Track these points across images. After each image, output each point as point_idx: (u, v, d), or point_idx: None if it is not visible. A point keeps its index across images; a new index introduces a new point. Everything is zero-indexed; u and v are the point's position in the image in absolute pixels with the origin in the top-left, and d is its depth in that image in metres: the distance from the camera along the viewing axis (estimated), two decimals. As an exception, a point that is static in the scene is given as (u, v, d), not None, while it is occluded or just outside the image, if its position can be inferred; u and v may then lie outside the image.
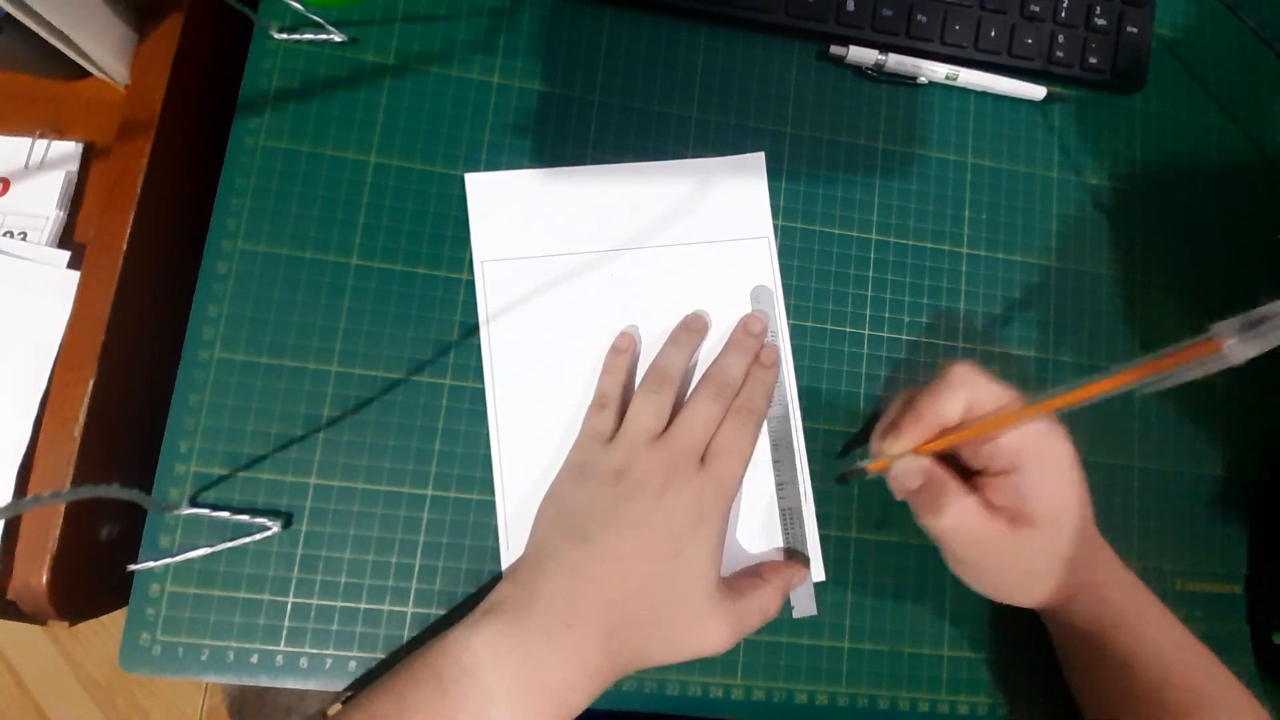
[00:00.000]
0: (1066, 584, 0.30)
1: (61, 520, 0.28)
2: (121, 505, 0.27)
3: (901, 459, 0.29)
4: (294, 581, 0.31)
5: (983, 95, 0.38)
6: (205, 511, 0.31)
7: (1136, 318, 0.38)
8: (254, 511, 0.31)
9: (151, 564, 0.30)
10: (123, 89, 0.33)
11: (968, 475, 0.30)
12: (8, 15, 0.28)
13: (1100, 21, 0.38)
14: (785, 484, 0.34)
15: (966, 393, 0.28)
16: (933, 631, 0.34)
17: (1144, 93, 0.40)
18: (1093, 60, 0.38)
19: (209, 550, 0.30)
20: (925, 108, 0.38)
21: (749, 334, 0.34)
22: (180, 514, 0.31)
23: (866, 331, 0.36)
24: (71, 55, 0.31)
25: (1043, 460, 0.28)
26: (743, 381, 0.33)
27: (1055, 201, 0.38)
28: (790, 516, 0.34)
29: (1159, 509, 0.37)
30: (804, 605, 0.33)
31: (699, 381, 0.33)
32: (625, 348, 0.33)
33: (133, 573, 0.30)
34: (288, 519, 0.31)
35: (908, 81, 0.37)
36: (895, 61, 0.37)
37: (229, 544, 0.31)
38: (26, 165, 0.33)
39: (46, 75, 0.34)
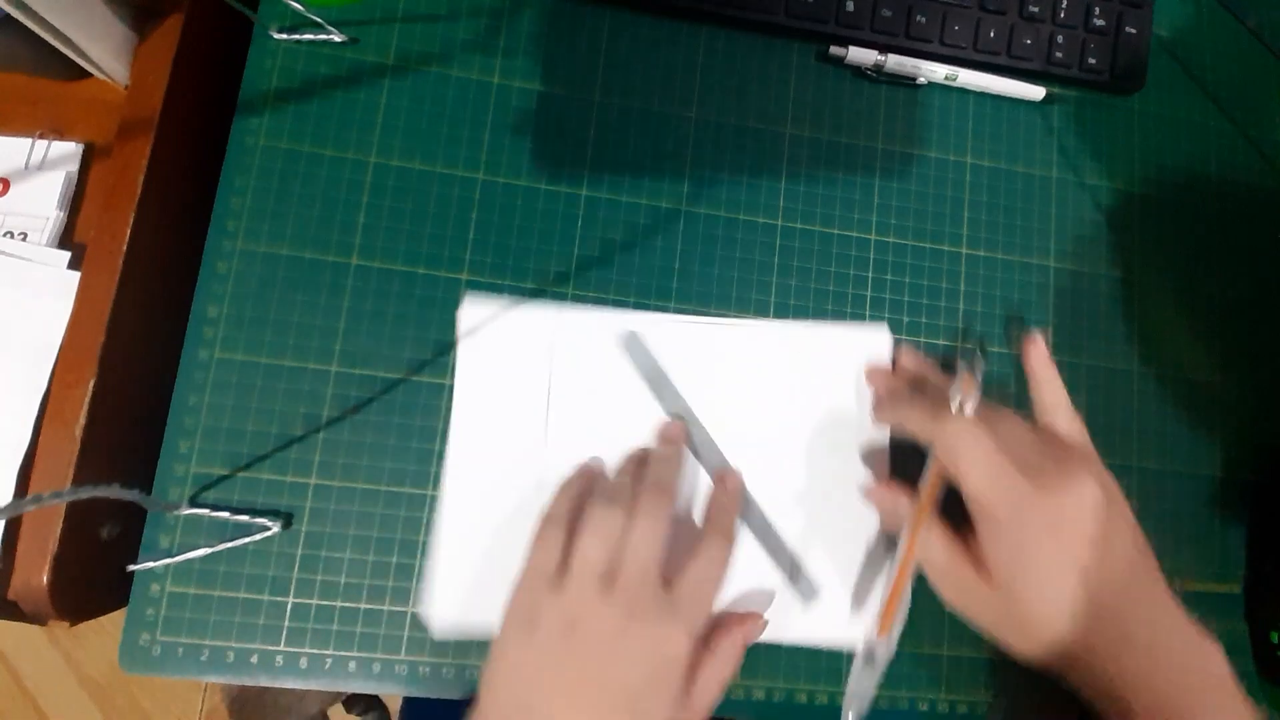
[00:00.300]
0: (1049, 648, 0.28)
1: (62, 520, 0.28)
2: (121, 505, 0.27)
3: (877, 495, 0.31)
4: (294, 581, 0.31)
5: (982, 96, 0.38)
6: (205, 511, 0.31)
7: (1136, 318, 0.38)
8: (254, 511, 0.31)
9: (151, 564, 0.30)
10: (123, 89, 0.33)
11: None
12: (8, 15, 0.28)
13: (1099, 22, 0.38)
14: (778, 551, 0.33)
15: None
16: (933, 631, 0.34)
17: (1143, 93, 0.40)
18: (1092, 61, 0.38)
19: (209, 550, 0.30)
20: (925, 108, 0.38)
21: (667, 441, 0.33)
22: (180, 514, 0.31)
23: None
24: (71, 55, 0.31)
25: (1005, 522, 0.27)
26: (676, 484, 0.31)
27: (1055, 201, 0.38)
28: (792, 565, 0.33)
29: (1159, 509, 0.37)
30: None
31: (638, 499, 0.29)
32: (582, 474, 0.32)
33: (133, 573, 0.30)
34: (288, 519, 0.31)
35: (907, 82, 0.37)
36: (895, 62, 0.37)
37: (229, 544, 0.31)
38: (26, 165, 0.33)
39: (46, 75, 0.34)
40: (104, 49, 0.31)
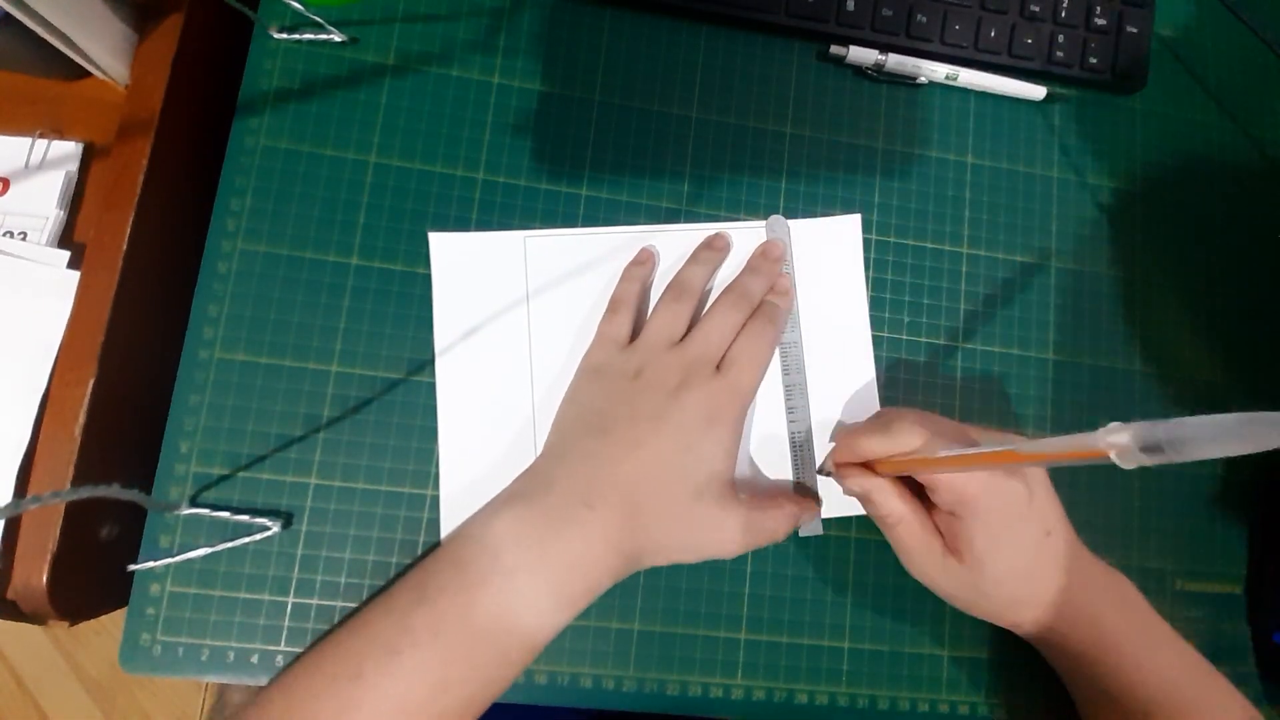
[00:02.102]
0: (1007, 608, 0.31)
1: (61, 520, 0.28)
2: (121, 505, 0.27)
3: (848, 471, 0.31)
4: (294, 581, 0.31)
5: (983, 95, 0.38)
6: (205, 511, 0.31)
7: (1136, 318, 0.38)
8: (254, 511, 0.31)
9: (151, 564, 0.30)
10: (123, 89, 0.33)
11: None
12: (8, 15, 0.28)
13: (1100, 21, 0.38)
14: (795, 409, 0.34)
15: (887, 436, 0.29)
16: (933, 631, 0.34)
17: (1144, 93, 0.40)
18: (1093, 60, 0.38)
19: (209, 550, 0.30)
20: (925, 108, 0.38)
21: (767, 259, 0.35)
22: (180, 514, 0.31)
23: (869, 332, 0.36)
24: (71, 55, 0.31)
25: (973, 502, 0.28)
26: (759, 300, 0.34)
27: (1055, 201, 0.38)
28: (799, 443, 0.34)
29: (1159, 509, 0.37)
30: (812, 526, 0.34)
31: (718, 295, 0.34)
32: (644, 260, 0.34)
33: (133, 573, 0.30)
34: (288, 519, 0.31)
35: (908, 81, 0.37)
36: (895, 61, 0.37)
37: (229, 544, 0.31)
38: (26, 165, 0.33)
39: (46, 75, 0.34)
40: (104, 49, 0.31)
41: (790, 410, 0.34)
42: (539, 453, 0.32)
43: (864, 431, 0.30)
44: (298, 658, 0.30)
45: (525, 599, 0.27)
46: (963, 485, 0.28)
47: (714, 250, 0.35)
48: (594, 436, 0.30)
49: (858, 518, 0.34)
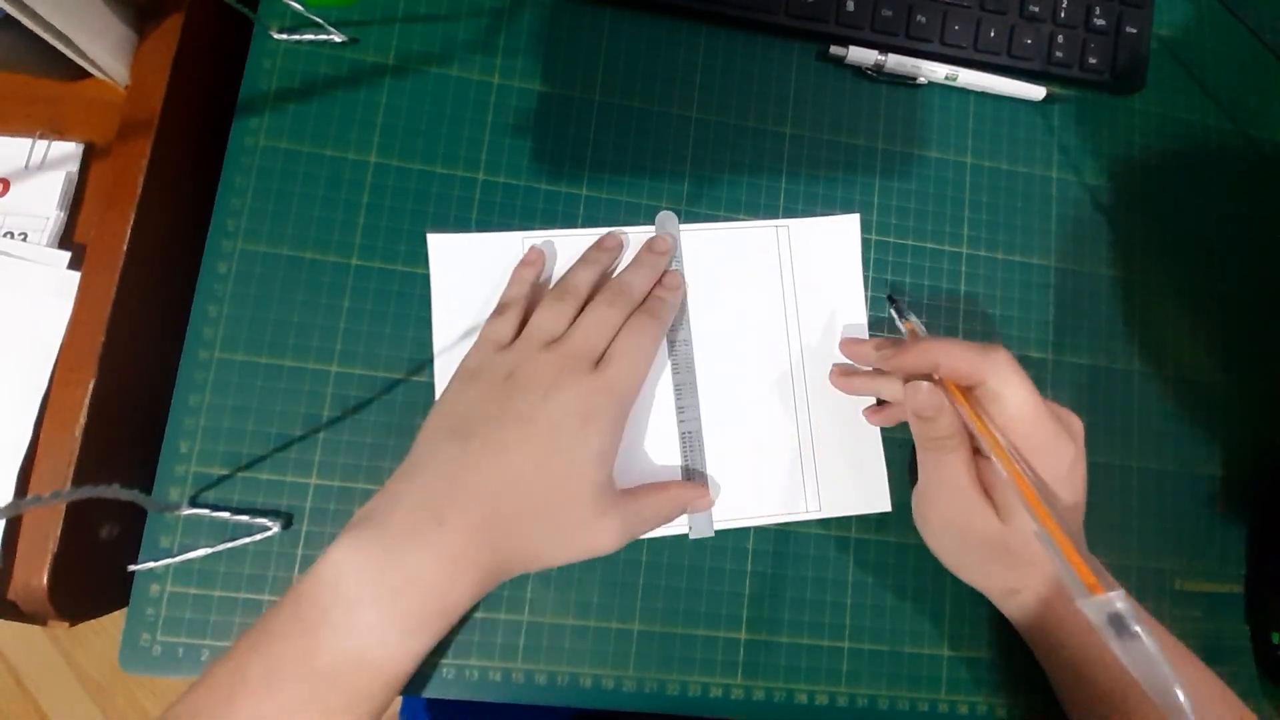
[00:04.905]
0: (1003, 575, 0.30)
1: (61, 520, 0.28)
2: (121, 505, 0.27)
3: (927, 388, 0.29)
4: (294, 582, 0.31)
5: (982, 95, 0.38)
6: (205, 512, 0.31)
7: (1136, 318, 0.38)
8: (254, 512, 0.31)
9: (151, 564, 0.30)
10: (123, 89, 0.33)
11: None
12: (8, 15, 0.28)
13: (1099, 22, 0.38)
14: (686, 408, 0.34)
15: (986, 362, 0.28)
16: (933, 631, 0.34)
17: (1144, 93, 0.40)
18: (1092, 61, 0.38)
19: (209, 550, 0.30)
20: (925, 108, 0.38)
21: (653, 252, 0.34)
22: (180, 514, 0.31)
23: (867, 332, 0.36)
24: (71, 55, 0.31)
25: (1038, 449, 0.28)
26: (644, 298, 0.33)
27: (1055, 201, 0.38)
28: (690, 440, 0.34)
29: (1159, 509, 0.37)
30: (701, 528, 0.33)
31: (599, 290, 0.32)
32: (533, 260, 0.33)
33: (133, 573, 0.30)
34: (288, 519, 0.31)
35: (907, 82, 0.37)
36: (895, 62, 0.37)
37: (229, 544, 0.31)
38: (26, 165, 0.33)
39: (46, 75, 0.34)
40: (104, 49, 0.31)
41: (681, 410, 0.34)
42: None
43: (963, 348, 0.29)
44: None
45: (371, 633, 0.25)
46: (1024, 432, 0.28)
47: (604, 250, 0.34)
48: (456, 442, 0.28)
49: (858, 518, 0.34)
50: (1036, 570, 0.30)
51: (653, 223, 0.35)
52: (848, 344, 0.34)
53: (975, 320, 0.37)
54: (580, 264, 0.33)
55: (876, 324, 0.36)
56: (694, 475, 0.34)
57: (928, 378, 0.30)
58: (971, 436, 0.30)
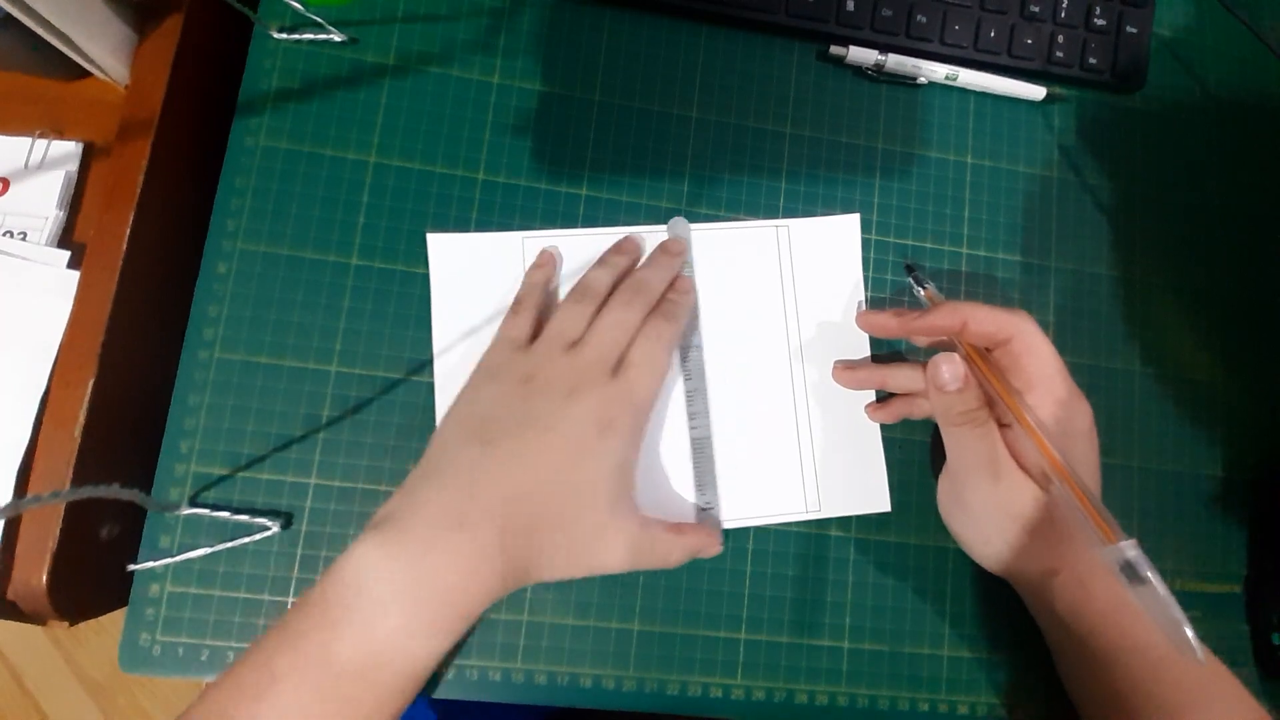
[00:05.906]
0: (1042, 555, 0.30)
1: (61, 520, 0.28)
2: (121, 505, 0.27)
3: (954, 359, 0.30)
4: (294, 581, 0.31)
5: (982, 95, 0.38)
6: (205, 511, 0.31)
7: (1136, 318, 0.38)
8: (254, 511, 0.31)
9: (151, 564, 0.30)
10: (123, 89, 0.33)
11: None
12: (8, 15, 0.28)
13: (1100, 22, 0.38)
14: (697, 414, 0.34)
15: (1020, 337, 0.30)
16: (933, 631, 0.34)
17: (1144, 93, 0.40)
18: (1092, 60, 0.38)
19: (209, 550, 0.30)
20: (925, 108, 0.38)
21: (667, 253, 0.34)
22: (180, 514, 0.31)
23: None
24: (71, 55, 0.31)
25: (1059, 409, 0.29)
26: (659, 298, 0.33)
27: (1055, 201, 0.38)
28: (700, 446, 0.34)
29: (1159, 509, 0.37)
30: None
31: (615, 291, 0.32)
32: (545, 263, 0.33)
33: (133, 573, 0.30)
34: (288, 519, 0.31)
35: (908, 81, 0.37)
36: (895, 61, 0.37)
37: (229, 544, 0.31)
38: (26, 165, 0.33)
39: (46, 75, 0.34)
40: (104, 49, 0.31)
41: (692, 416, 0.34)
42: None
43: (989, 307, 0.30)
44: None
45: (395, 633, 0.25)
46: (1054, 385, 0.29)
47: (622, 254, 0.34)
48: (476, 445, 0.28)
49: (858, 518, 0.34)
50: (1076, 548, 0.29)
51: (656, 222, 0.35)
52: (865, 316, 0.34)
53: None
54: (599, 266, 0.33)
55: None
56: (706, 491, 0.33)
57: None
58: (991, 406, 0.30)
